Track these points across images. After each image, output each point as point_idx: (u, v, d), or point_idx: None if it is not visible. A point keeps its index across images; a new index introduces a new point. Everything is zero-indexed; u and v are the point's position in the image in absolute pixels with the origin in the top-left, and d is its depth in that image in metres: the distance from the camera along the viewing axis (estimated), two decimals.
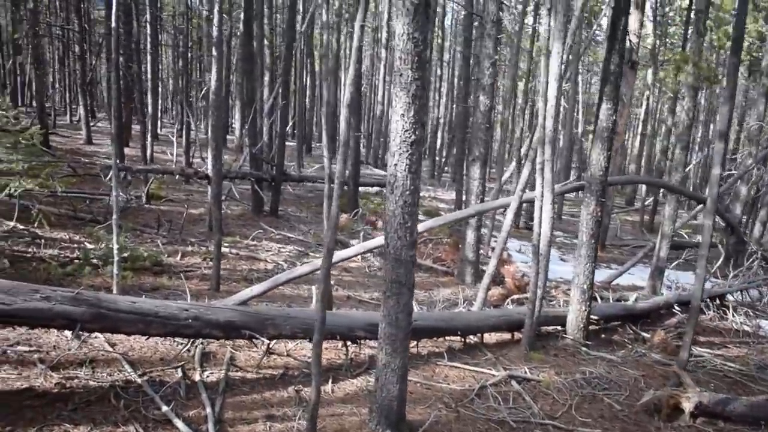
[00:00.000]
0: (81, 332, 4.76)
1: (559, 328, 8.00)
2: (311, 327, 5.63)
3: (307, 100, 27.06)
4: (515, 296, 9.11)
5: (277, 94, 11.93)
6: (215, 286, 7.58)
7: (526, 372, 6.54)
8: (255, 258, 9.38)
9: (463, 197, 13.63)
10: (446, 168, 30.40)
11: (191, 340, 5.72)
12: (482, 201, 9.34)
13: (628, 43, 9.87)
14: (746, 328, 9.78)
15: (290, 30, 12.09)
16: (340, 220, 11.88)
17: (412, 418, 5.02)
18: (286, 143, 14.26)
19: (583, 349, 7.54)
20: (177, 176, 12.54)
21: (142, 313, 4.86)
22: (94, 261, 7.91)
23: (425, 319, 6.58)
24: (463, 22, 18.55)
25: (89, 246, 8.60)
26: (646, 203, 22.47)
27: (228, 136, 24.60)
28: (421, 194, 17.26)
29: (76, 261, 7.93)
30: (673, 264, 12.23)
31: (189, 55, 23.19)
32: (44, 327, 4.77)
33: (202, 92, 15.43)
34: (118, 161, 6.84)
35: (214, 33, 7.18)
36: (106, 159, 14.87)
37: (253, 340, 5.44)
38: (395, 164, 4.29)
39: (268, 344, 5.69)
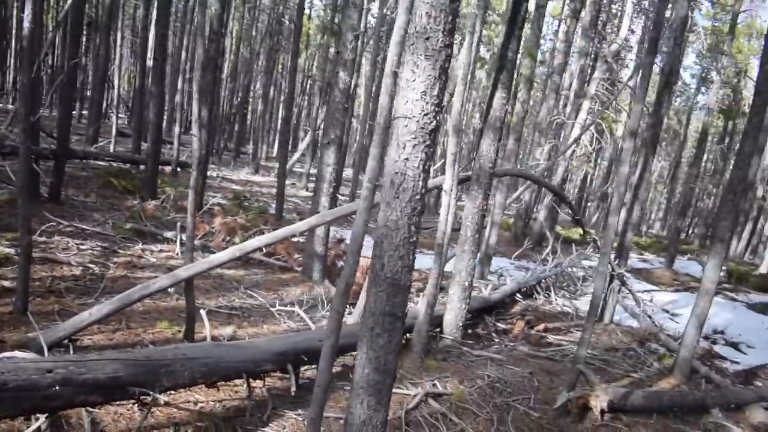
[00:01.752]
0: None
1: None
2: (213, 368, 4.23)
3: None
4: None
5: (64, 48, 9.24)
6: (22, 308, 5.44)
7: (436, 386, 5.86)
8: (53, 261, 7.11)
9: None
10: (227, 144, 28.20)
11: None
12: (336, 189, 8.35)
13: None
14: (567, 309, 10.40)
15: None
16: (147, 207, 9.83)
17: None
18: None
19: (465, 349, 7.12)
20: None
21: None
22: None
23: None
24: None
25: None
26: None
27: None
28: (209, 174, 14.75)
29: None
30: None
31: None
32: None
33: None
34: None
35: None
36: None
37: (141, 398, 3.82)
38: (406, 159, 3.17)
39: (153, 399, 4.04)
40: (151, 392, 3.77)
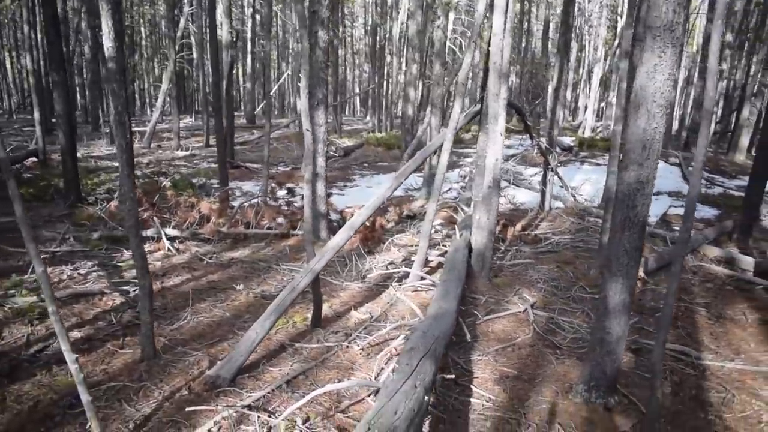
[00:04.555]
0: None
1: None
2: (449, 342, 4.72)
3: None
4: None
5: None
6: (151, 353, 5.22)
7: (526, 299, 6.78)
8: (83, 294, 6.58)
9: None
10: None
11: None
12: (326, 149, 8.48)
13: None
14: (510, 205, 11.82)
15: None
16: (111, 209, 9.09)
17: None
18: None
19: (498, 262, 8.12)
20: None
21: None
22: None
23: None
24: None
25: None
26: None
27: None
28: None
29: None
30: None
31: None
32: None
33: None
34: None
35: None
36: None
37: None
38: (655, 127, 3.87)
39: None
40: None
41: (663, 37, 3.70)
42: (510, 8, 6.19)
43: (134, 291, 6.79)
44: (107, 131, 19.10)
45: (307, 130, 5.21)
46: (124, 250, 8.28)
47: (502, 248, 8.84)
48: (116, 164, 14.64)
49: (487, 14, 6.69)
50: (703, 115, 3.22)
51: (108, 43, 4.55)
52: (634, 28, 8.13)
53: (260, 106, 30.99)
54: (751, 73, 21.47)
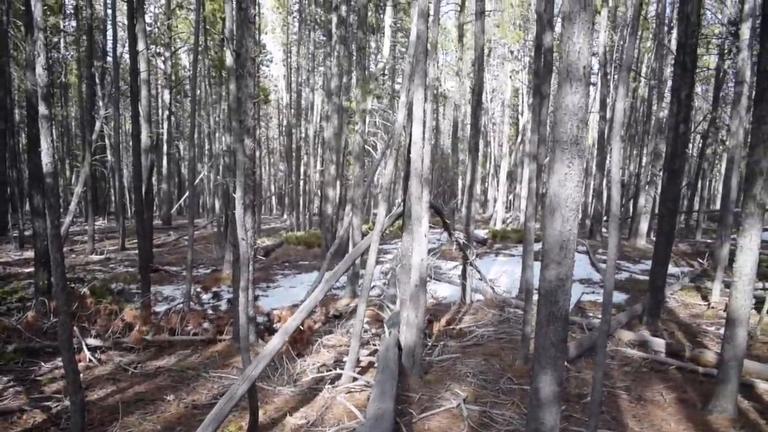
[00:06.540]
0: None
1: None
2: None
3: None
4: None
5: None
6: None
7: (458, 394, 6.92)
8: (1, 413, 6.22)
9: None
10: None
11: None
12: (254, 254, 8.55)
13: None
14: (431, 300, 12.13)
15: None
16: (29, 320, 8.63)
17: None
18: None
19: (427, 359, 8.27)
20: None
21: None
22: None
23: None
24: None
25: None
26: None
27: None
28: None
29: None
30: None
31: None
32: None
33: None
34: None
35: None
36: None
37: None
38: (570, 228, 4.29)
39: None
40: None
41: (570, 150, 4.19)
42: (428, 119, 6.72)
43: (56, 407, 6.45)
44: (16, 235, 18.24)
45: (242, 239, 5.36)
46: (43, 363, 7.88)
47: (429, 344, 9.01)
48: (27, 270, 14.04)
49: (405, 123, 7.18)
50: (611, 218, 3.64)
51: (46, 159, 4.62)
52: (537, 132, 8.93)
53: (175, 207, 30.67)
54: (643, 163, 23.51)
